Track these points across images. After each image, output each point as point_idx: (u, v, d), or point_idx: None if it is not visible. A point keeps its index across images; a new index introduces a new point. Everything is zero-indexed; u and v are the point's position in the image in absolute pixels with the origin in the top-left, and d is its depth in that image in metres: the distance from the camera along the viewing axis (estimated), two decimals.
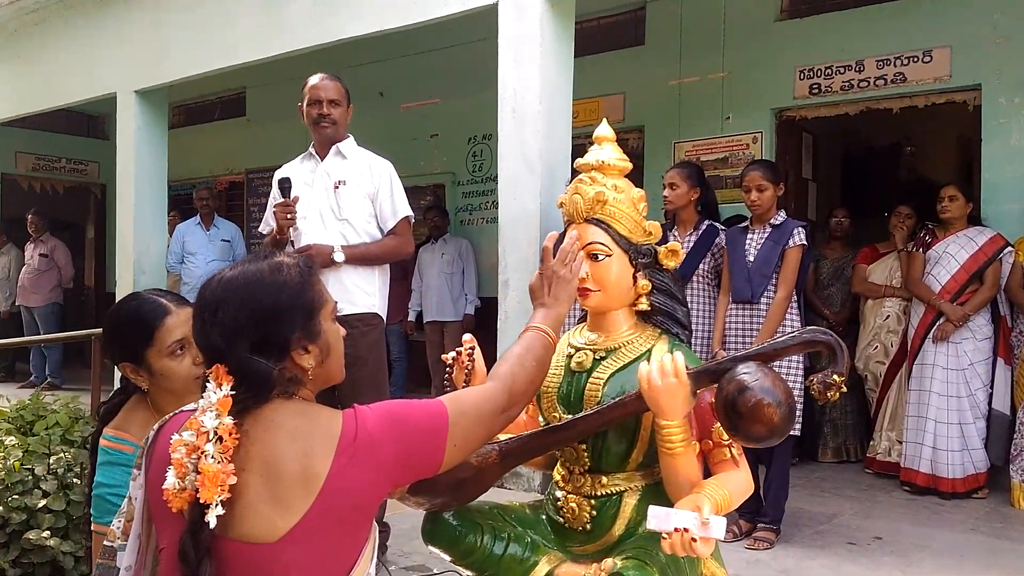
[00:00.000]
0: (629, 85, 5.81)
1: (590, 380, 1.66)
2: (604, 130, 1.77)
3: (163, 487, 1.15)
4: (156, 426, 1.29)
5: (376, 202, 3.09)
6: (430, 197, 6.93)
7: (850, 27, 4.97)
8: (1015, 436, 3.98)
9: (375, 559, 1.25)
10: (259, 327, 1.19)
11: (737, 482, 1.54)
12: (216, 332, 1.19)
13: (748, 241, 3.49)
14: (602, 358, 1.68)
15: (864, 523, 3.67)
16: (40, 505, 2.55)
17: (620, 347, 1.68)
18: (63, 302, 8.16)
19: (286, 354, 1.21)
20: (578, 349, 1.72)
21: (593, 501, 1.66)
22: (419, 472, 1.29)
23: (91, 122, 9.64)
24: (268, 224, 3.13)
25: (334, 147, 3.11)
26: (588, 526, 1.67)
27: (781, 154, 5.24)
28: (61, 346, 7.79)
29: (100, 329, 2.37)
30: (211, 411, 1.15)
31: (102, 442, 1.67)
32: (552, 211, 3.68)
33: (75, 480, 2.63)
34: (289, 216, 2.98)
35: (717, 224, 3.75)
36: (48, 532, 2.51)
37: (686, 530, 1.35)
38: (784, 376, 2.47)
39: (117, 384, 1.79)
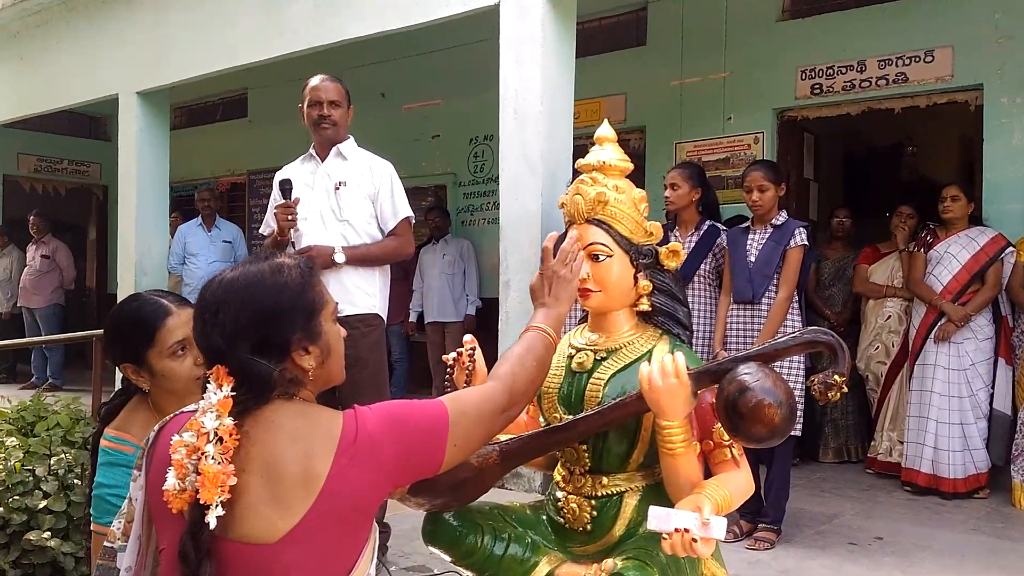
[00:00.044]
0: (630, 85, 5.80)
1: (591, 381, 1.66)
2: (605, 130, 1.77)
3: (163, 488, 1.16)
4: (156, 427, 1.29)
5: (377, 203, 3.09)
6: (431, 198, 6.93)
7: (852, 27, 4.96)
8: (1016, 436, 3.98)
9: (375, 560, 1.25)
10: (260, 328, 1.19)
11: (738, 482, 1.54)
12: (217, 333, 1.19)
13: (749, 241, 3.49)
14: (603, 359, 1.68)
15: (865, 523, 3.67)
16: (41, 506, 2.55)
17: (621, 348, 1.67)
18: (64, 303, 8.17)
19: (287, 355, 1.21)
20: (579, 350, 1.72)
21: (594, 502, 1.66)
22: (419, 472, 1.29)
23: (93, 123, 9.65)
24: (269, 225, 3.13)
25: (334, 148, 3.11)
26: (589, 527, 1.66)
27: (782, 154, 5.22)
28: (62, 347, 7.79)
29: (101, 330, 2.38)
30: (211, 412, 1.15)
31: (103, 442, 1.67)
32: (553, 212, 3.69)
33: (76, 481, 2.63)
34: (290, 217, 2.98)
35: (718, 224, 3.74)
36: (49, 533, 2.52)
37: (687, 530, 1.35)
38: (785, 376, 2.45)
39: (118, 385, 1.79)
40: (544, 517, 1.75)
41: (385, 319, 3.15)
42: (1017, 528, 3.62)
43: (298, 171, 3.16)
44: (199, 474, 1.12)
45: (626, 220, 1.68)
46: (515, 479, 3.94)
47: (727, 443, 1.56)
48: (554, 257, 1.60)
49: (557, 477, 1.75)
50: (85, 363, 7.18)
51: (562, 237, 1.67)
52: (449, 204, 6.79)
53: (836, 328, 4.48)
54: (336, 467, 1.16)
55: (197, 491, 1.11)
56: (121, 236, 6.24)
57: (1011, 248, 4.06)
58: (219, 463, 1.12)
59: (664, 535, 1.38)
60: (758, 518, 3.40)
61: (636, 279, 1.69)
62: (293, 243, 3.03)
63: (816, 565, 3.16)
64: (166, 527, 1.19)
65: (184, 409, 1.29)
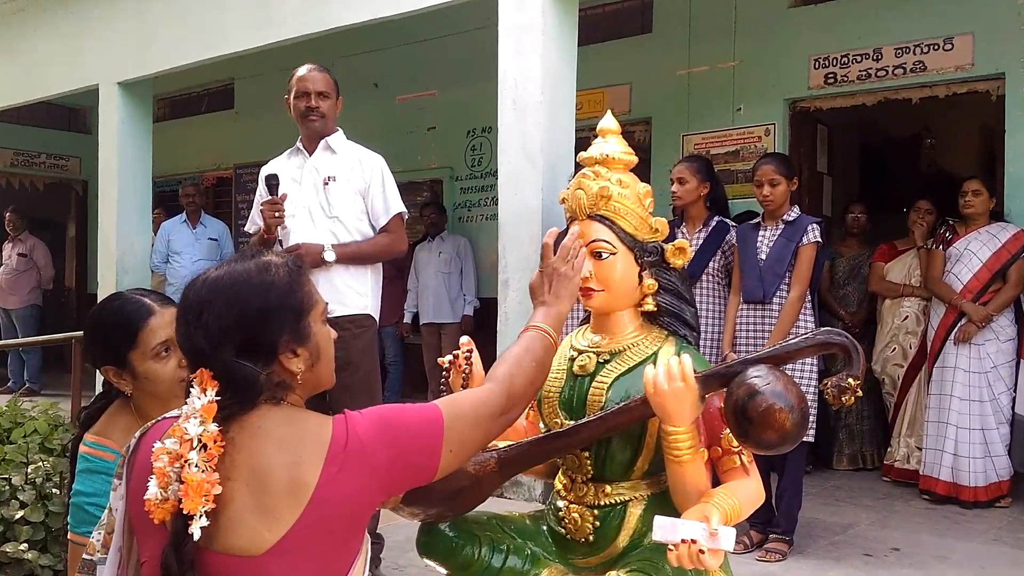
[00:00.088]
0: (635, 75, 5.76)
1: (593, 384, 1.65)
2: (609, 122, 1.76)
3: (145, 497, 1.15)
4: (138, 433, 1.29)
5: (367, 198, 3.07)
6: (427, 193, 6.95)
7: (867, 13, 4.93)
8: None
9: (367, 572, 1.25)
10: (245, 329, 1.18)
11: (747, 491, 1.54)
12: (200, 335, 1.19)
13: (760, 238, 3.47)
14: (606, 361, 1.66)
15: (881, 533, 3.63)
16: (17, 516, 2.55)
17: (625, 349, 1.66)
18: (42, 304, 8.16)
19: (274, 358, 1.20)
20: (581, 352, 1.70)
21: (596, 511, 1.65)
22: (413, 479, 1.28)
23: (72, 115, 9.59)
24: (255, 223, 3.12)
25: (323, 141, 3.10)
26: (591, 537, 1.65)
27: (795, 147, 5.20)
28: (40, 350, 7.78)
29: (81, 332, 2.39)
30: (195, 417, 1.15)
31: (82, 448, 1.66)
32: (554, 207, 3.66)
33: (54, 490, 2.63)
34: (277, 214, 2.96)
35: (727, 220, 3.72)
36: (26, 545, 2.52)
37: (694, 541, 1.35)
38: (797, 380, 2.52)
39: (99, 390, 1.79)
40: (544, 527, 1.75)
41: (378, 320, 3.15)
42: None
43: (285, 165, 3.15)
44: (182, 483, 1.12)
45: (630, 216, 1.67)
46: (514, 488, 3.91)
47: (736, 450, 1.56)
48: (555, 254, 1.59)
49: (558, 485, 1.74)
50: (64, 366, 7.24)
51: (563, 234, 1.65)
52: (445, 199, 6.79)
53: (851, 329, 4.49)
54: (326, 475, 1.15)
55: (180, 501, 1.11)
56: (102, 233, 6.19)
57: None
58: (203, 471, 1.12)
59: (670, 546, 1.37)
60: (769, 528, 3.38)
61: (641, 278, 1.68)
62: (280, 241, 3.02)
63: None
64: (148, 538, 1.18)
65: (167, 415, 1.28)
